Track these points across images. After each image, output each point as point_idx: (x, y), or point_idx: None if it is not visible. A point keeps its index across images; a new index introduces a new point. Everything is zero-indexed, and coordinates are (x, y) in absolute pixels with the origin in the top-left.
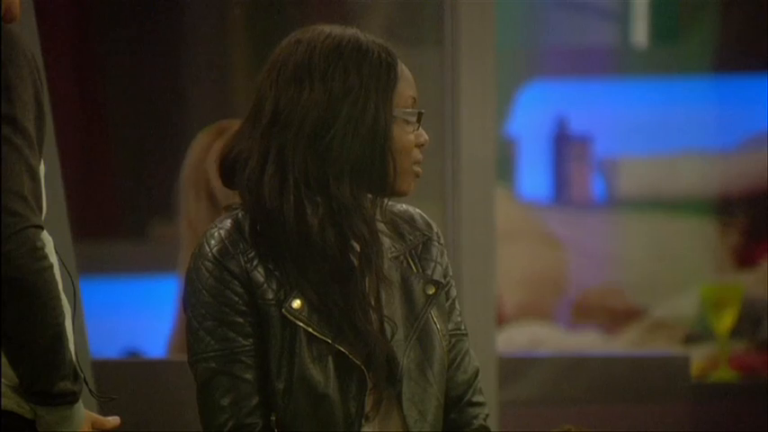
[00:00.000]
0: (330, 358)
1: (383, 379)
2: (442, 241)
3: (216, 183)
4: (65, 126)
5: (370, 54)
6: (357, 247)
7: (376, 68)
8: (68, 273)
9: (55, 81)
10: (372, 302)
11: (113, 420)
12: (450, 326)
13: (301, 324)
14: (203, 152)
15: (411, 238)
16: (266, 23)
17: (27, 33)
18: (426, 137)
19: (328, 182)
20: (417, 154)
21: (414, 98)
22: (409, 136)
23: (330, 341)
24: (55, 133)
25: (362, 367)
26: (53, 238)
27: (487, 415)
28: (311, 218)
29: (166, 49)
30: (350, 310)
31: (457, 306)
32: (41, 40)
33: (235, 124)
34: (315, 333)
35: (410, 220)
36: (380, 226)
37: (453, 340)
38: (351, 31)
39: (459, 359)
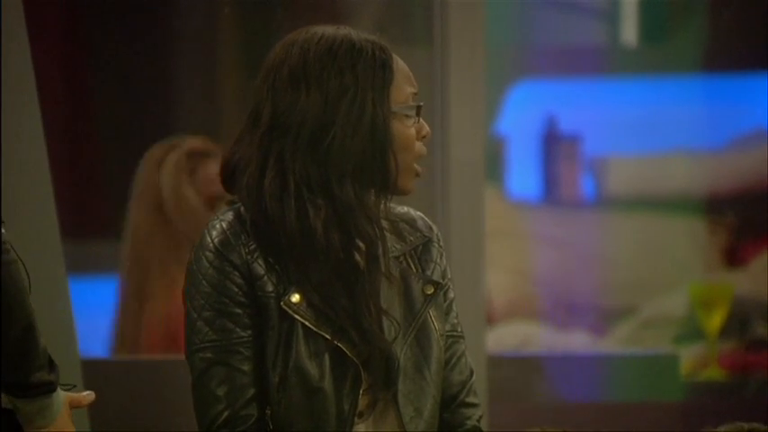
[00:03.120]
0: (327, 354)
1: (380, 379)
2: (441, 243)
3: (166, 195)
4: (54, 125)
5: (364, 53)
6: (362, 247)
7: (370, 67)
8: (22, 263)
9: (44, 80)
10: (375, 302)
11: (89, 396)
12: (447, 327)
13: (299, 318)
14: (155, 165)
15: (411, 238)
16: (256, 23)
17: (16, 32)
18: (428, 129)
19: (331, 184)
20: (420, 148)
21: (413, 92)
22: (410, 130)
23: (328, 337)
24: (44, 133)
25: (359, 365)
26: (42, 238)
27: (481, 416)
28: (314, 221)
29: (156, 48)
30: (355, 310)
31: (454, 308)
32: (30, 38)
33: (184, 141)
34: (312, 328)
35: (411, 221)
36: (384, 225)
37: (449, 341)
38: (344, 31)
39: (454, 360)
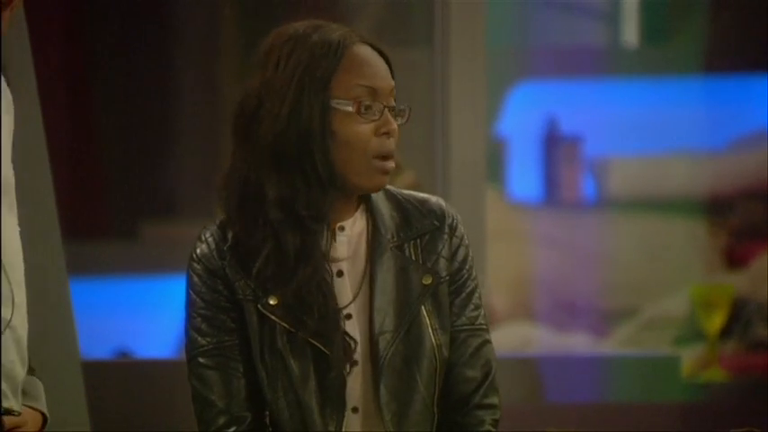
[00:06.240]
0: (309, 353)
1: (362, 377)
2: (458, 233)
3: None
4: (55, 127)
5: (305, 45)
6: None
7: (305, 59)
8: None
9: (45, 81)
10: (353, 297)
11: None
12: (461, 320)
13: (276, 319)
14: None
15: (419, 226)
16: (257, 24)
17: (17, 34)
18: (394, 126)
19: (260, 171)
20: (378, 144)
21: (368, 87)
22: (357, 126)
23: (307, 336)
24: (45, 134)
25: (341, 362)
26: (42, 238)
27: (495, 420)
28: (233, 206)
29: (156, 49)
30: (311, 303)
31: (474, 300)
32: (32, 41)
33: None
34: (289, 328)
35: (427, 209)
36: (388, 214)
37: (463, 336)
38: (303, 26)
39: (467, 355)
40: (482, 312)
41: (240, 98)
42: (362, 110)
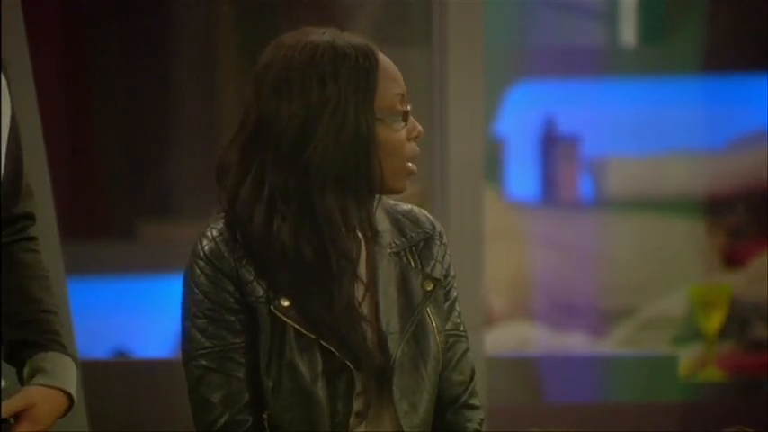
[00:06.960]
0: (319, 356)
1: (371, 380)
2: (445, 241)
3: None
4: (53, 126)
5: (347, 60)
6: (336, 256)
7: (354, 75)
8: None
9: (43, 81)
10: (360, 300)
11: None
12: (449, 326)
13: (289, 321)
14: None
15: (412, 234)
16: (255, 23)
17: (15, 33)
18: (420, 128)
19: (311, 195)
20: (412, 148)
21: (401, 95)
22: (398, 134)
23: (319, 339)
24: (43, 133)
25: (351, 366)
26: (41, 239)
27: (482, 419)
28: (280, 231)
29: (155, 49)
30: (333, 313)
31: (457, 307)
32: (29, 40)
33: None
34: (303, 331)
35: (414, 219)
36: (383, 221)
37: (451, 341)
38: (328, 37)
39: (455, 360)
40: (462, 320)
41: (267, 118)
42: (404, 119)
